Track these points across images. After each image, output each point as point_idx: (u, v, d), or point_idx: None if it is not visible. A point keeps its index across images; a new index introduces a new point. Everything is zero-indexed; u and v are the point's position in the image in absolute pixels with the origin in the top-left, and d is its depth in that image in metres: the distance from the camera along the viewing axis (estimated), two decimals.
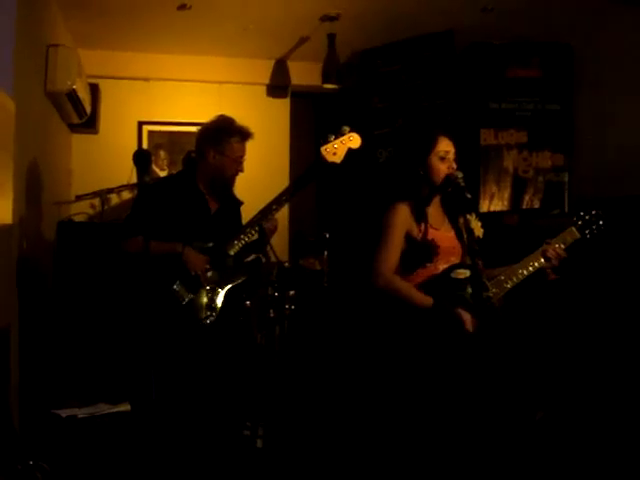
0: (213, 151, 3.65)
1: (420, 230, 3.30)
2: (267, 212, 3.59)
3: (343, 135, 3.66)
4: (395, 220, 3.33)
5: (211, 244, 3.56)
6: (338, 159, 3.67)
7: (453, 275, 3.30)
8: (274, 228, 3.67)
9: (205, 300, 3.51)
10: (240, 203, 3.89)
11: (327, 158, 3.65)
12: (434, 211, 3.38)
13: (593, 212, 3.37)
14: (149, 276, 3.38)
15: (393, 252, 3.31)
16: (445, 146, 3.34)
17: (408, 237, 3.31)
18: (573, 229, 3.35)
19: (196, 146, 3.77)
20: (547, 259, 3.32)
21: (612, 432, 3.78)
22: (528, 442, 3.71)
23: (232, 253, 3.57)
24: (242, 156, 3.71)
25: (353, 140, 3.67)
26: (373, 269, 3.30)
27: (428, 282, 3.29)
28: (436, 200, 3.39)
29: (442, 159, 3.32)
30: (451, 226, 3.38)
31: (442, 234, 3.35)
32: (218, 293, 3.54)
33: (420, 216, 3.32)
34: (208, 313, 3.50)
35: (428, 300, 3.20)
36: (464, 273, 3.29)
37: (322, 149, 3.63)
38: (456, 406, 3.19)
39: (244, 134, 3.70)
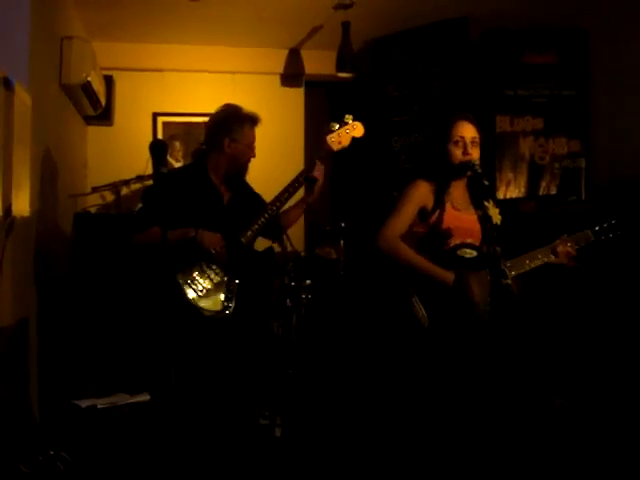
0: (228, 140, 3.67)
1: (436, 214, 3.34)
2: (278, 201, 3.63)
3: (347, 124, 3.76)
4: (412, 193, 3.40)
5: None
6: (343, 148, 3.75)
7: (460, 253, 3.35)
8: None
9: (223, 290, 3.52)
10: (251, 190, 3.91)
11: (333, 147, 3.73)
12: (459, 194, 3.43)
13: (613, 222, 3.42)
14: (167, 267, 3.42)
15: (401, 221, 3.38)
16: (460, 131, 3.36)
17: (422, 214, 3.36)
18: (589, 232, 3.42)
19: (207, 137, 3.79)
20: (555, 255, 3.37)
21: (630, 419, 3.76)
22: (546, 429, 3.71)
23: (245, 241, 3.59)
24: (254, 142, 3.75)
25: (357, 129, 3.77)
26: (378, 232, 3.38)
27: (434, 258, 3.33)
28: (461, 184, 3.42)
29: (456, 143, 3.35)
30: (474, 210, 3.38)
31: (463, 215, 3.39)
32: (235, 283, 3.55)
33: (439, 200, 3.35)
34: (226, 304, 3.50)
35: (428, 264, 3.28)
36: (471, 253, 3.35)
37: (327, 138, 3.71)
38: (473, 392, 3.19)
39: (254, 119, 3.74)
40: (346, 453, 3.74)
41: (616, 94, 5.34)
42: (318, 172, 3.68)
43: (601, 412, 3.90)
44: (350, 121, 3.76)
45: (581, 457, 3.49)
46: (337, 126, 3.75)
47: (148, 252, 3.46)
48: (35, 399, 3.76)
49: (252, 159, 3.76)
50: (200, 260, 3.51)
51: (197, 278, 3.49)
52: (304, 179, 3.67)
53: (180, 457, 3.13)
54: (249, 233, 3.60)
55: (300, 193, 3.75)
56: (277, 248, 3.98)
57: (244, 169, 3.76)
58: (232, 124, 3.68)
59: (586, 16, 5.47)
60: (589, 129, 5.55)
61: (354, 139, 3.77)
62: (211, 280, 3.51)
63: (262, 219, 3.61)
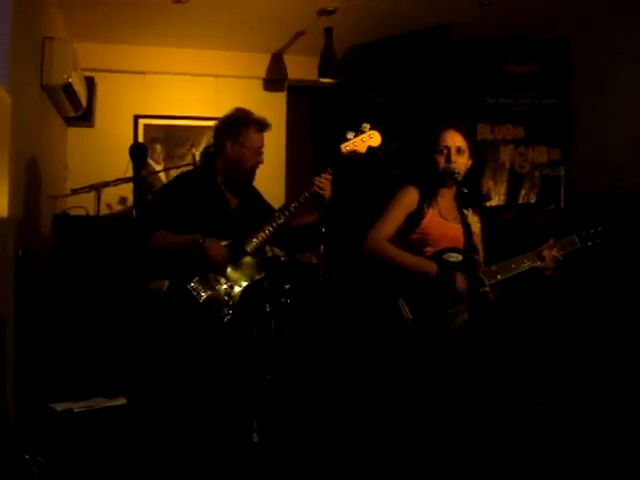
0: (231, 143, 3.64)
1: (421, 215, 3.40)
2: (286, 211, 3.56)
3: (363, 133, 3.60)
4: (401, 199, 3.44)
5: (226, 242, 3.52)
6: (356, 154, 3.62)
7: (445, 257, 3.37)
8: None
9: (223, 297, 3.50)
10: (261, 198, 3.89)
11: (342, 152, 3.59)
12: (447, 203, 3.45)
13: (599, 228, 3.41)
14: (169, 272, 3.44)
15: (389, 224, 3.41)
16: (446, 141, 3.39)
17: (411, 220, 3.40)
18: (575, 238, 3.41)
19: (214, 140, 3.75)
20: (542, 259, 3.37)
21: (608, 426, 3.79)
22: (524, 436, 3.73)
23: (249, 250, 3.54)
24: (261, 147, 3.70)
25: (373, 138, 3.61)
26: (366, 235, 3.40)
27: None
28: (449, 193, 3.43)
29: (441, 152, 3.38)
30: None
31: (450, 224, 3.41)
32: (235, 291, 3.52)
33: (420, 206, 3.40)
34: (225, 311, 3.47)
35: (416, 259, 3.33)
36: (456, 257, 3.36)
37: (341, 147, 3.57)
38: (451, 399, 3.20)
39: (261, 124, 3.69)
40: (325, 458, 3.74)
41: (596, 104, 5.38)
42: (326, 182, 3.56)
43: (579, 419, 3.92)
44: (367, 130, 3.61)
45: (559, 463, 3.51)
46: (352, 134, 3.60)
47: (153, 255, 3.46)
48: (11, 402, 3.72)
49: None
50: (203, 266, 3.48)
51: (199, 284, 3.48)
52: (312, 196, 3.57)
53: (156, 461, 3.11)
54: (254, 240, 3.54)
55: None
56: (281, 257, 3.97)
57: (249, 175, 3.71)
58: (237, 127, 3.64)
59: (567, 26, 5.51)
60: (569, 138, 5.59)
61: (370, 148, 3.63)
62: (213, 286, 3.50)
63: (269, 228, 3.53)
